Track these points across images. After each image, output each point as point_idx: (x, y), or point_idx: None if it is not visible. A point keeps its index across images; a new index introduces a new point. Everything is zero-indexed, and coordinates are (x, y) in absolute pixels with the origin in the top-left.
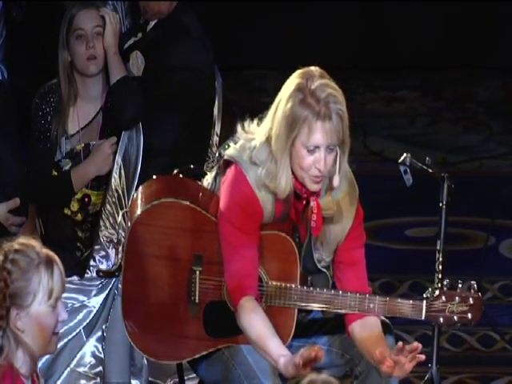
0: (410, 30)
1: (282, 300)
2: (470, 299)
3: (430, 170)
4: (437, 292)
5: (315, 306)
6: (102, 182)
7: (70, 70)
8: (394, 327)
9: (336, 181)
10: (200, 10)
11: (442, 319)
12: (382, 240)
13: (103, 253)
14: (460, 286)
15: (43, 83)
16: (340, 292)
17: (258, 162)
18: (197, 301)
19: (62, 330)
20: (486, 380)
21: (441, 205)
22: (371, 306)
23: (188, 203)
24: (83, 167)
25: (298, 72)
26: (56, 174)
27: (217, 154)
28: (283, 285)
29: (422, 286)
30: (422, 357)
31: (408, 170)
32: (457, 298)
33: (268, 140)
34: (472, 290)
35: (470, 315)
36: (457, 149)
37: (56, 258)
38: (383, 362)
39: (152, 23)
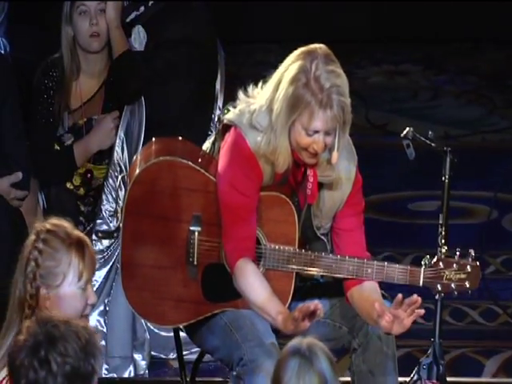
0: (412, 3)
1: (280, 263)
2: (468, 267)
3: (433, 144)
4: (435, 259)
5: (313, 270)
6: (104, 156)
7: (72, 45)
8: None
9: (335, 157)
10: None
11: (439, 286)
12: (384, 214)
13: (105, 227)
14: (457, 253)
15: (46, 57)
16: (338, 256)
17: (259, 127)
18: (195, 263)
19: None
20: (488, 354)
21: (443, 179)
22: (369, 271)
23: (188, 162)
24: (85, 142)
25: (302, 51)
26: (58, 148)
27: (216, 119)
28: (281, 247)
29: None
30: (422, 311)
31: (410, 144)
32: (454, 265)
33: (269, 108)
34: (470, 258)
35: (467, 283)
36: (459, 122)
37: (87, 240)
38: (382, 315)
39: None
